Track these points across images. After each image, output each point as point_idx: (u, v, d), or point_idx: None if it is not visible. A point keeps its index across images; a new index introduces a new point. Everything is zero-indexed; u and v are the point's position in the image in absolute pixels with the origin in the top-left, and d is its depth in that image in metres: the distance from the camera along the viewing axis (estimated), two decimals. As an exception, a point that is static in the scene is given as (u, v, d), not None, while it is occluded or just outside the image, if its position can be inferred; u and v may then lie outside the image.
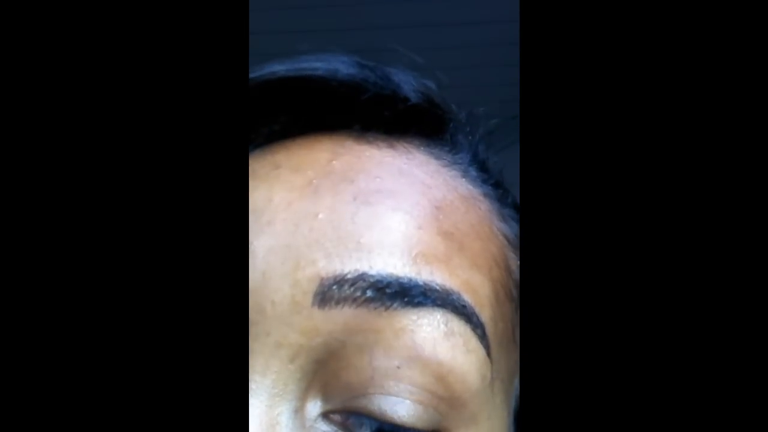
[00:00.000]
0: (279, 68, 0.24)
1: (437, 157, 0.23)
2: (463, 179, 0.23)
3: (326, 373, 0.18)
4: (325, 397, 0.18)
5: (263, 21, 1.33)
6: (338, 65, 0.24)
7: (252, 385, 0.17)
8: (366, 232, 0.19)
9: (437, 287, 0.19)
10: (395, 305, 0.18)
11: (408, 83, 0.24)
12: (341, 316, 0.18)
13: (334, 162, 0.21)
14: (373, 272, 0.18)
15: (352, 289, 0.18)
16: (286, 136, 0.23)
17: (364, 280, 0.18)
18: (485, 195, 0.24)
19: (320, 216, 0.19)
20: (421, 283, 0.18)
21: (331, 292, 0.18)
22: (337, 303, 0.18)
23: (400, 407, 0.17)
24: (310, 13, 1.38)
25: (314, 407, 0.18)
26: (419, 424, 0.18)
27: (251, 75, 0.23)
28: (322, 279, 0.18)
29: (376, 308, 0.18)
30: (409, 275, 0.18)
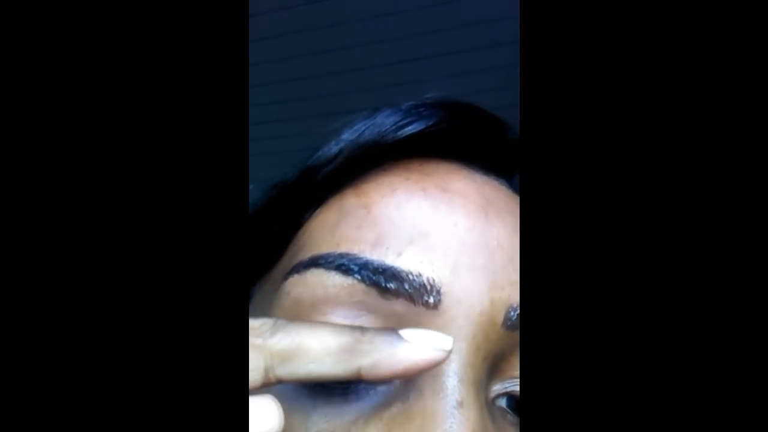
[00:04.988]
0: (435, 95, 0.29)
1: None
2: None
3: (498, 369, 0.24)
4: (497, 383, 0.25)
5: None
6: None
7: (463, 376, 0.23)
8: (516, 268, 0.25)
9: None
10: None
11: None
12: (514, 337, 0.24)
13: (485, 189, 0.26)
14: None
15: (516, 318, 0.24)
16: (428, 155, 0.27)
17: (516, 312, 0.24)
18: None
19: (497, 243, 0.25)
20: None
21: (511, 319, 0.24)
22: (513, 329, 0.24)
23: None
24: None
25: (491, 391, 0.24)
26: None
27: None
28: (509, 306, 0.24)
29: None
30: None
